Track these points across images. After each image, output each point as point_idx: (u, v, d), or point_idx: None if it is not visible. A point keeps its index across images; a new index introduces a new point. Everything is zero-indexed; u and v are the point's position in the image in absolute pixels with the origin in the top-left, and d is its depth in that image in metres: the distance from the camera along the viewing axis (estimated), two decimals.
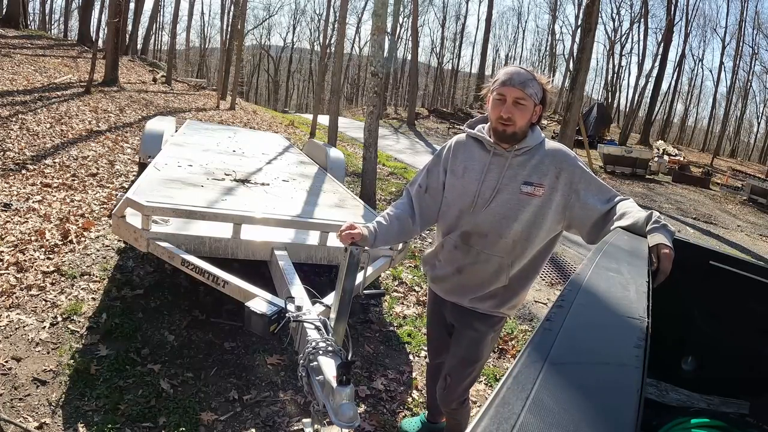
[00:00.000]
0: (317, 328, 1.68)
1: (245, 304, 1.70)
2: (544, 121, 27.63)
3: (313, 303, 2.08)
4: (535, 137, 1.64)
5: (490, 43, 37.99)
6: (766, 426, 1.26)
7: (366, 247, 1.67)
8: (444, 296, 1.86)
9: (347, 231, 1.62)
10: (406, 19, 37.61)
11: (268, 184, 4.06)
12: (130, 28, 23.26)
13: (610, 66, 38.30)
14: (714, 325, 1.41)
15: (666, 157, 18.55)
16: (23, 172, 5.27)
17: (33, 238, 3.73)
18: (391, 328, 3.35)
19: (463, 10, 53.10)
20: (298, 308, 1.78)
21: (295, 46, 52.45)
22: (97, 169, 6.02)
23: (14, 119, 7.14)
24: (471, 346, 1.82)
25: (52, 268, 3.35)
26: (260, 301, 1.71)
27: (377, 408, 2.54)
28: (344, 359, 1.53)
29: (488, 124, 1.73)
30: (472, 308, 1.78)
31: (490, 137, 1.67)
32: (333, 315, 1.75)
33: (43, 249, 3.61)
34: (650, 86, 28.30)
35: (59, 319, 2.81)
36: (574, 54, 28.01)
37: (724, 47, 36.59)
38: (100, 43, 18.29)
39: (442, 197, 1.80)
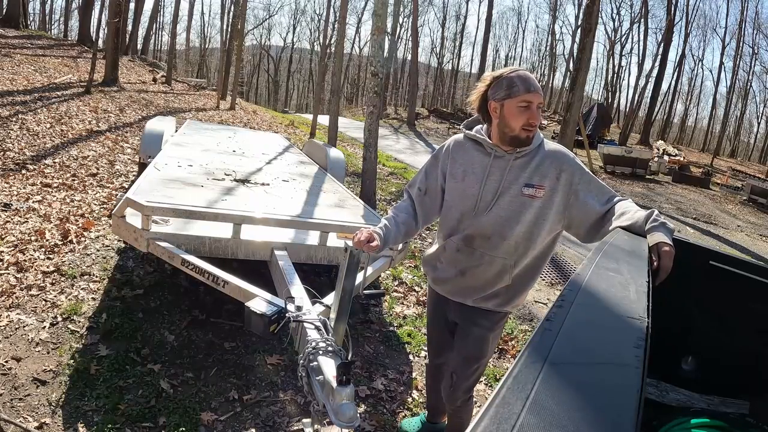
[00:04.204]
0: (317, 328, 1.68)
1: (245, 304, 1.70)
2: (545, 121, 27.63)
3: (313, 303, 2.08)
4: (536, 139, 1.64)
5: (490, 43, 37.98)
6: (766, 426, 1.26)
7: None
8: (447, 296, 1.86)
9: (367, 244, 1.59)
10: (406, 19, 37.68)
11: (268, 184, 4.06)
12: (130, 28, 23.26)
13: (610, 66, 38.32)
14: (714, 325, 1.41)
15: (666, 157, 18.54)
16: (23, 172, 5.27)
17: (33, 238, 3.73)
18: (391, 328, 3.35)
19: (463, 10, 53.09)
20: (298, 308, 1.78)
21: (295, 46, 52.53)
22: (97, 169, 6.02)
23: (14, 119, 7.14)
24: (476, 344, 1.83)
25: (52, 268, 3.34)
26: (260, 301, 1.71)
27: (377, 408, 2.54)
28: (344, 359, 1.54)
29: (484, 126, 1.72)
30: (476, 307, 1.78)
31: (490, 139, 1.67)
32: (333, 315, 1.75)
33: (43, 249, 3.60)
34: (650, 86, 28.33)
35: (59, 319, 2.81)
36: (574, 54, 28.00)
37: (724, 47, 36.60)
38: (100, 43, 18.28)
39: (441, 198, 1.80)
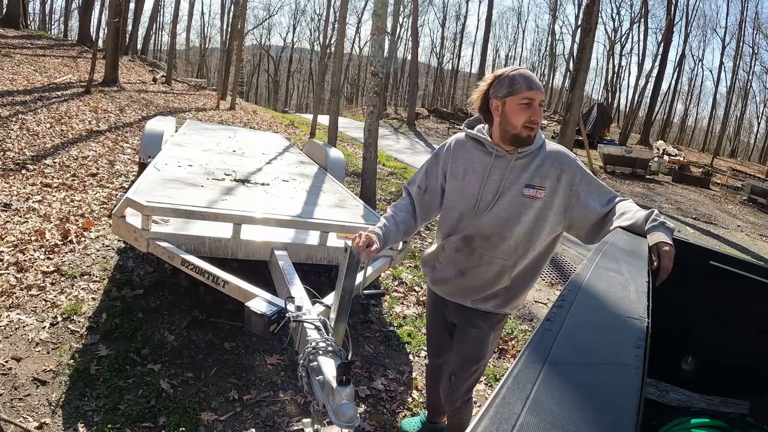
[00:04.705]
0: (317, 328, 1.68)
1: (245, 304, 1.70)
2: (544, 121, 27.64)
3: (313, 303, 2.08)
4: (538, 139, 1.64)
5: (490, 43, 37.99)
6: (766, 426, 1.26)
7: None
8: (446, 297, 1.86)
9: (366, 249, 1.60)
10: (406, 19, 37.69)
11: (268, 184, 4.06)
12: (130, 28, 23.25)
13: (610, 66, 38.33)
14: (714, 325, 1.41)
15: (666, 157, 18.55)
16: (23, 172, 5.27)
17: (33, 238, 3.73)
18: (391, 328, 3.35)
19: (463, 10, 53.08)
20: (298, 308, 1.78)
21: (295, 46, 52.52)
22: (97, 169, 6.02)
23: (14, 119, 7.14)
24: (474, 345, 1.82)
25: (52, 268, 3.34)
26: (260, 301, 1.72)
27: (377, 408, 2.54)
28: (344, 359, 1.54)
29: (486, 126, 1.72)
30: (475, 308, 1.78)
31: (491, 139, 1.67)
32: (333, 315, 1.75)
33: (43, 249, 3.60)
34: (650, 86, 28.36)
35: (59, 319, 2.81)
36: (574, 54, 27.99)
37: (724, 47, 36.60)
38: (100, 43, 18.29)
39: (440, 197, 1.80)
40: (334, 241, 2.94)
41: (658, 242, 1.24)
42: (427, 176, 1.83)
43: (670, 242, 1.24)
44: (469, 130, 1.75)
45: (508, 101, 1.57)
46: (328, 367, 1.48)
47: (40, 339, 2.61)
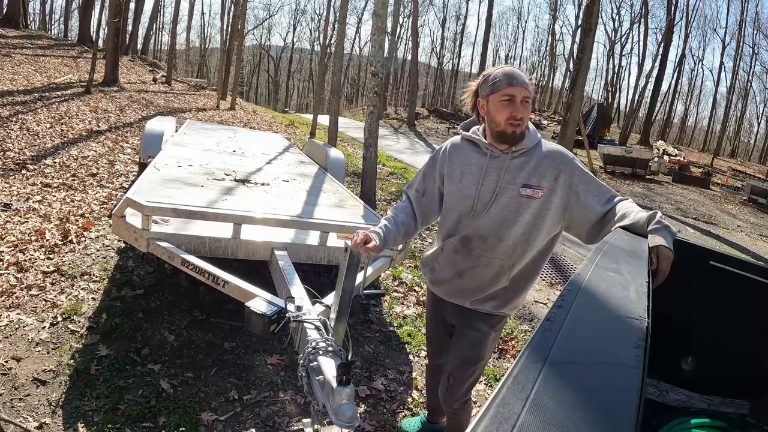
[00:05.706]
0: (317, 328, 1.68)
1: (245, 304, 1.70)
2: (544, 121, 27.63)
3: (313, 303, 2.09)
4: (532, 138, 1.64)
5: (490, 43, 37.96)
6: (766, 426, 1.26)
7: None
8: (445, 298, 1.86)
9: (364, 246, 1.60)
10: (406, 19, 37.69)
11: (268, 184, 4.06)
12: (130, 28, 23.26)
13: (610, 66, 38.30)
14: (714, 325, 1.41)
15: (666, 157, 18.54)
16: (23, 172, 5.28)
17: (33, 238, 3.73)
18: (391, 328, 3.35)
19: (463, 10, 53.05)
20: (298, 308, 1.78)
21: (295, 46, 52.51)
22: (97, 169, 6.02)
23: (14, 119, 7.14)
24: (473, 346, 1.82)
25: (52, 268, 3.34)
26: (260, 301, 1.72)
27: (377, 408, 2.54)
28: (344, 359, 1.54)
29: (481, 126, 1.72)
30: (474, 309, 1.78)
31: (485, 139, 1.67)
32: (333, 315, 1.75)
33: (43, 249, 3.60)
34: (650, 86, 28.39)
35: (59, 319, 2.81)
36: (574, 54, 27.98)
37: (724, 47, 36.60)
38: (100, 43, 18.29)
39: (439, 200, 1.81)
40: (334, 241, 2.94)
41: (659, 245, 1.23)
42: (425, 180, 1.84)
43: (670, 247, 1.24)
44: (464, 132, 1.76)
45: (491, 99, 1.60)
46: (328, 367, 1.48)
47: (40, 339, 2.61)
